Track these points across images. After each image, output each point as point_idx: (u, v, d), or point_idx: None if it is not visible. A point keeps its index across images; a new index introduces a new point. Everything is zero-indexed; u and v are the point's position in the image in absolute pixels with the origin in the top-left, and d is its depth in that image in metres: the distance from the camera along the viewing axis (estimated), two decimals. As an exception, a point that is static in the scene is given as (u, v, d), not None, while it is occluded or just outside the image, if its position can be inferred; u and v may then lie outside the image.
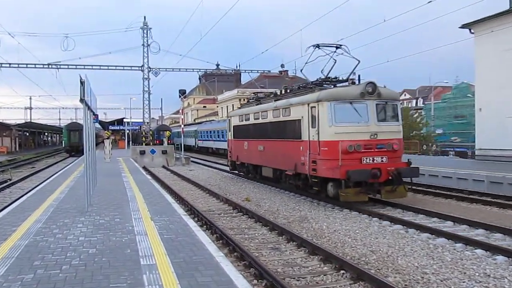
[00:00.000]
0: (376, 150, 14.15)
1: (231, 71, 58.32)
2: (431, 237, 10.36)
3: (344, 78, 15.78)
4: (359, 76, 15.44)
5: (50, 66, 37.85)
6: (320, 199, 15.47)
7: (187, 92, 50.10)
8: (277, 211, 13.76)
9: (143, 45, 39.45)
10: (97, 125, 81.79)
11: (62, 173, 22.12)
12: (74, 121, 72.34)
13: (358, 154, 13.96)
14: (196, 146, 54.14)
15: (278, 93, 19.64)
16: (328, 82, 16.08)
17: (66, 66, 37.68)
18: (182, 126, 38.79)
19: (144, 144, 41.72)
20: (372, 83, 14.66)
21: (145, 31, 39.50)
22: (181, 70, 42.58)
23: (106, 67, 40.23)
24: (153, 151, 34.39)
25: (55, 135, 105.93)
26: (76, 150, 49.83)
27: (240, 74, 75.50)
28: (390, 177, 13.98)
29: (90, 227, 9.01)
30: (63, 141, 58.22)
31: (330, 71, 16.61)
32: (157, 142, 54.29)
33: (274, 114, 18.06)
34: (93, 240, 7.95)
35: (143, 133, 43.34)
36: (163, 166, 33.06)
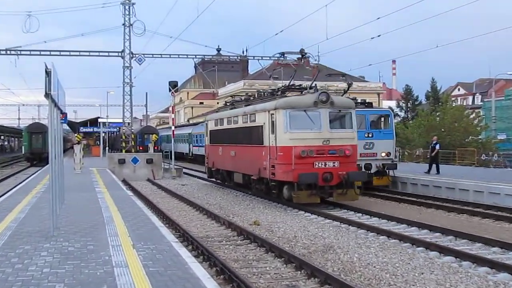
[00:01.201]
0: (328, 155, 18.81)
1: (235, 57, 58.36)
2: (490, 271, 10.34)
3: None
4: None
5: (8, 52, 38.01)
6: (350, 223, 15.70)
7: (179, 85, 50.26)
8: (295, 238, 13.77)
9: (123, 24, 39.77)
10: (66, 126, 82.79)
11: (22, 187, 22.33)
12: (36, 121, 72.93)
13: (311, 159, 18.63)
14: (191, 154, 54.26)
15: (251, 98, 24.55)
16: (292, 90, 20.90)
17: (28, 52, 37.75)
18: (173, 128, 38.96)
19: (124, 151, 41.98)
20: (325, 92, 19.45)
21: (126, 7, 39.86)
22: (172, 56, 42.80)
23: (78, 53, 40.57)
24: (135, 160, 34.62)
25: (12, 139, 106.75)
26: (39, 158, 50.23)
27: (248, 62, 75.71)
28: (341, 181, 18.64)
29: (56, 256, 9.07)
30: (23, 147, 58.36)
31: (292, 78, 22.15)
32: (141, 148, 54.41)
33: (243, 119, 22.96)
34: (61, 272, 7.99)
35: (123, 137, 43.67)
36: (148, 180, 33.29)
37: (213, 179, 28.94)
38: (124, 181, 30.93)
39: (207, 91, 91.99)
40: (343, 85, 34.71)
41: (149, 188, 28.82)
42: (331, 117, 19.30)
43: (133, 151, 41.92)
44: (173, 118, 39.73)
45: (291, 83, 22.21)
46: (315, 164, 18.74)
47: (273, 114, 19.71)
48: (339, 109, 19.51)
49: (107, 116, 60.63)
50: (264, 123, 20.59)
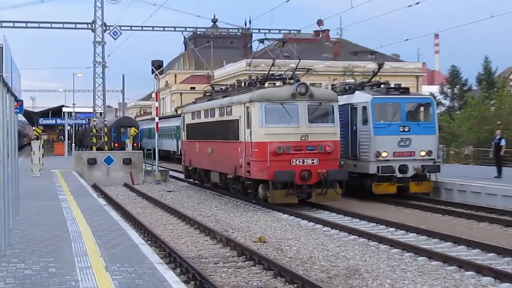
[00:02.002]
0: (306, 152, 21.46)
1: (236, 31, 58.26)
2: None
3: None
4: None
5: None
6: (380, 240, 15.74)
7: (164, 66, 50.39)
8: (310, 258, 13.79)
9: (95, -11, 39.95)
10: (21, 117, 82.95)
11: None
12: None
13: (288, 155, 21.31)
14: (179, 153, 54.31)
15: (229, 88, 27.33)
16: (269, 81, 23.92)
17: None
18: (157, 119, 38.97)
19: (95, 148, 42.14)
20: (303, 84, 22.05)
21: (98, -33, 39.93)
22: (155, 29, 42.89)
23: (37, 25, 40.68)
24: (109, 160, 34.75)
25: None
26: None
27: (251, 37, 75.45)
28: (320, 180, 21.32)
29: (10, 281, 9.10)
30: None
31: (271, 68, 24.57)
32: (116, 145, 54.57)
33: (220, 112, 25.87)
34: (15, 302, 8.04)
35: (94, 131, 43.78)
36: (126, 185, 33.46)
37: (191, 180, 32.59)
38: (95, 187, 30.94)
39: (200, 73, 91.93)
40: (372, 65, 34.67)
41: (126, 195, 28.88)
42: (310, 110, 21.83)
43: (106, 148, 42.11)
44: (157, 107, 39.75)
45: (271, 72, 24.87)
46: (292, 162, 21.39)
47: (249, 107, 22.23)
48: (319, 102, 22.14)
49: (74, 104, 60.58)
50: (240, 117, 23.12)
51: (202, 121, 28.95)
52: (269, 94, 22.18)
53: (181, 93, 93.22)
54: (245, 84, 26.16)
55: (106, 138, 43.30)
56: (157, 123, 38.22)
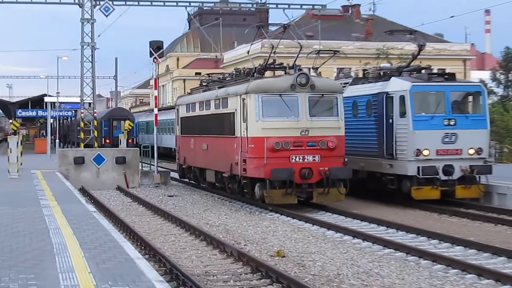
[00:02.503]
0: (307, 148, 23.19)
1: (250, 6, 58.22)
2: None
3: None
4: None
5: None
6: (421, 254, 15.68)
7: (165, 47, 50.33)
8: (338, 276, 13.75)
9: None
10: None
11: None
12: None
13: (286, 152, 23.02)
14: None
15: (228, 77, 29.34)
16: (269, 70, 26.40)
17: None
18: (156, 111, 39.03)
19: (82, 145, 42.08)
20: (304, 73, 23.71)
21: None
22: (154, 4, 42.88)
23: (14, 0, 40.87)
24: (99, 159, 34.87)
25: None
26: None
27: (268, 13, 75.45)
28: (323, 178, 23.07)
29: (-18, 302, 9.11)
30: None
31: (269, 55, 26.83)
32: (108, 141, 54.53)
33: (216, 104, 27.80)
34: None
35: (82, 125, 43.83)
36: (119, 188, 33.62)
37: (187, 181, 35.15)
38: (83, 191, 31.03)
39: (207, 56, 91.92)
40: (411, 47, 34.53)
41: (120, 200, 28.95)
42: (311, 102, 23.50)
43: (96, 145, 42.12)
44: (155, 97, 39.77)
45: (271, 60, 26.88)
46: (292, 158, 23.10)
47: (245, 99, 23.97)
48: (322, 94, 23.76)
49: (58, 93, 60.84)
50: (236, 110, 24.93)
51: (197, 114, 30.65)
52: (266, 85, 23.82)
53: (184, 80, 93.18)
54: (243, 73, 27.43)
55: (96, 133, 43.29)
56: (156, 115, 38.30)
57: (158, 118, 39.69)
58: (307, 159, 23.14)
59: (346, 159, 23.82)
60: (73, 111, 63.59)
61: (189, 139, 32.01)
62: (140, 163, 36.87)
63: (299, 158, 23.09)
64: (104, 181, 34.49)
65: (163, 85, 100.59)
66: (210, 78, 32.26)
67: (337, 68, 58.34)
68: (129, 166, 35.12)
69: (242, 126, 24.13)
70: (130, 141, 48.02)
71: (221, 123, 26.61)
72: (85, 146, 41.48)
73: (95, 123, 43.51)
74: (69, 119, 73.12)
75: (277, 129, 23.14)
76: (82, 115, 44.66)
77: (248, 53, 30.73)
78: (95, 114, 44.53)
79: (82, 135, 43.20)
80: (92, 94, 42.81)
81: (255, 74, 26.08)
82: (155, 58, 37.37)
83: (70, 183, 29.14)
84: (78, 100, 47.22)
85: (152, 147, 37.95)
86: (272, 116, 23.28)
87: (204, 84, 32.34)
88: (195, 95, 32.50)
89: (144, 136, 62.35)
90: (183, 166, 33.88)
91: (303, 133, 23.19)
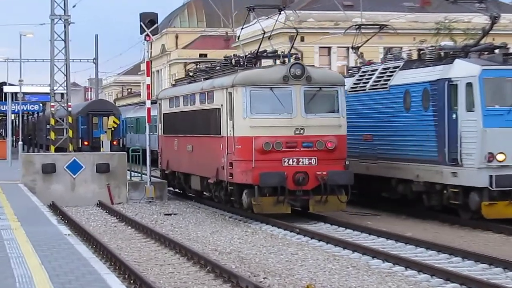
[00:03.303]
0: (302, 149, 25.26)
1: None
2: None
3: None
4: None
5: None
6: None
7: (160, 22, 50.30)
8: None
9: None
10: None
11: None
12: None
13: (278, 153, 25.09)
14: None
15: (218, 67, 31.37)
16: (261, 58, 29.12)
17: None
18: (149, 103, 38.94)
19: (53, 148, 41.90)
20: (298, 64, 25.91)
21: None
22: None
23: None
24: (75, 167, 34.94)
25: None
26: None
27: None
28: (320, 184, 25.09)
29: None
30: None
31: (261, 43, 28.88)
32: (86, 143, 54.38)
33: (201, 99, 30.10)
34: None
35: (52, 122, 43.84)
36: (100, 204, 33.81)
37: (171, 189, 37.70)
38: (54, 207, 31.12)
39: (215, 33, 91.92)
40: (481, 19, 34.21)
41: (102, 220, 29.04)
42: (307, 97, 25.53)
43: (71, 149, 42.19)
44: (148, 86, 39.66)
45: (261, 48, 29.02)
46: (284, 161, 25.21)
47: (231, 93, 26.07)
48: (319, 86, 25.77)
49: (21, 81, 61.00)
50: (221, 105, 27.13)
51: (181, 110, 33.00)
52: (255, 77, 26.02)
53: (185, 64, 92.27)
54: (233, 62, 29.63)
55: (70, 133, 43.45)
56: (148, 109, 38.07)
57: (152, 114, 39.54)
58: (302, 162, 25.25)
59: (347, 162, 25.65)
60: (41, 105, 63.68)
61: (173, 140, 34.30)
62: (129, 172, 36.96)
63: (293, 161, 25.24)
64: (82, 195, 34.59)
65: (157, 71, 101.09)
66: (198, 67, 34.57)
67: (384, 48, 58.42)
68: (114, 176, 35.19)
69: (228, 124, 26.16)
70: (115, 143, 48.01)
71: (207, 121, 28.71)
72: (56, 150, 41.61)
73: (70, 119, 43.71)
74: (35, 115, 73.47)
75: (267, 128, 25.28)
76: (52, 109, 44.85)
77: (238, 38, 34.31)
78: (70, 108, 44.69)
79: (52, 136, 43.39)
80: (65, 82, 42.97)
81: (245, 63, 28.15)
82: (147, 35, 37.25)
83: (37, 198, 29.19)
84: (47, 90, 47.33)
85: (144, 150, 37.71)
86: (261, 113, 25.45)
87: (190, 74, 34.91)
88: (179, 87, 34.89)
89: (133, 136, 62.53)
90: (166, 172, 36.54)
91: (297, 132, 25.24)
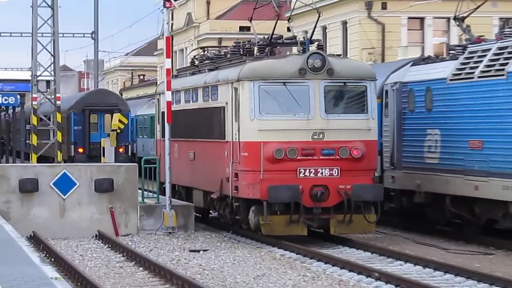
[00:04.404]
0: (321, 157, 27.12)
1: None
2: None
3: None
4: None
5: None
6: None
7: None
8: None
9: None
10: None
11: None
12: None
13: (292, 163, 27.04)
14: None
15: (229, 54, 33.40)
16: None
17: None
18: (169, 96, 39.09)
19: (34, 157, 41.90)
20: (318, 53, 27.47)
21: None
22: None
23: None
24: (66, 184, 35.19)
25: None
26: None
27: None
28: (343, 200, 26.81)
29: None
30: None
31: (276, 21, 31.01)
32: (80, 151, 54.49)
33: (204, 95, 32.62)
34: None
35: (34, 121, 44.03)
36: (100, 235, 34.06)
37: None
38: (36, 239, 31.28)
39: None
40: None
41: (103, 258, 29.22)
42: (328, 94, 27.11)
43: (60, 158, 42.35)
44: (168, 70, 39.77)
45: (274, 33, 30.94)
46: (299, 172, 27.09)
47: (237, 88, 27.43)
48: (344, 81, 27.32)
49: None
50: (226, 103, 28.72)
51: (182, 108, 35.28)
52: (265, 69, 27.65)
53: (219, 40, 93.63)
54: (243, 49, 31.40)
55: (59, 137, 43.77)
56: (168, 104, 38.26)
57: (175, 107, 39.76)
58: (322, 174, 26.85)
59: (377, 174, 27.47)
60: (18, 97, 63.95)
61: (172, 145, 35.02)
62: (140, 191, 37.15)
63: (310, 172, 26.84)
64: (75, 223, 34.84)
65: (181, 50, 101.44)
66: (206, 54, 36.33)
67: (500, 19, 58.18)
68: (119, 196, 35.41)
69: (234, 126, 27.76)
70: (121, 150, 48.29)
71: (210, 122, 30.61)
72: (39, 160, 41.85)
73: (59, 117, 44.04)
74: (10, 111, 73.90)
75: (279, 131, 26.74)
76: (34, 103, 45.19)
77: (250, 20, 33.84)
78: (59, 102, 44.99)
79: (34, 140, 43.68)
80: (52, 65, 43.27)
81: (254, 52, 30.15)
82: (167, 0, 37.49)
83: (12, 227, 29.37)
84: (27, 76, 47.72)
85: (160, 161, 37.92)
86: (272, 113, 27.01)
87: (194, 63, 36.81)
88: (181, 79, 36.96)
89: (146, 141, 62.77)
90: (164, 185, 36.87)
91: (316, 136, 26.74)
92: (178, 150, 35.63)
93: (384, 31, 66.11)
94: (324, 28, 73.45)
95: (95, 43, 76.56)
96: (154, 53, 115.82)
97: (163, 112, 36.90)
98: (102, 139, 47.04)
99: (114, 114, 50.11)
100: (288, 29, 33.96)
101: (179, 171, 35.90)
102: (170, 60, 39.91)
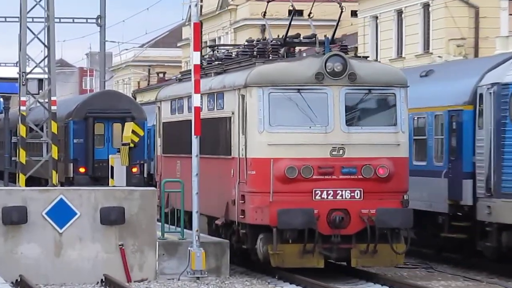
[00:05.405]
0: (341, 177, 28.39)
1: None
2: None
3: None
4: None
5: None
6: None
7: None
8: None
9: None
10: None
11: None
12: None
13: (307, 183, 28.17)
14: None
15: (241, 52, 35.33)
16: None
17: None
18: (197, 99, 39.19)
19: (23, 179, 41.96)
20: (338, 55, 28.52)
21: None
22: None
23: None
24: (63, 213, 35.29)
25: None
26: None
27: None
28: (366, 227, 27.96)
29: None
30: None
31: (292, 16, 33.28)
32: (81, 170, 54.76)
33: (209, 103, 34.49)
34: None
35: (22, 131, 44.32)
36: (106, 281, 34.04)
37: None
38: (23, 286, 31.32)
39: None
40: None
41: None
42: (350, 103, 27.95)
43: (55, 180, 42.49)
44: (197, 67, 39.85)
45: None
46: (315, 194, 27.80)
47: (244, 95, 28.56)
48: (368, 88, 28.08)
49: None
50: (233, 113, 30.00)
51: (185, 118, 36.37)
52: (276, 74, 28.53)
53: (262, 28, 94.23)
54: (255, 50, 32.72)
55: (54, 152, 43.97)
56: (196, 110, 38.37)
57: (203, 117, 39.90)
58: (341, 196, 27.66)
59: (406, 197, 27.87)
60: (1, 100, 64.39)
61: (174, 162, 38.01)
62: (159, 224, 37.28)
63: (328, 194, 27.71)
64: (74, 264, 34.84)
65: (213, 40, 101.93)
66: (215, 54, 38.25)
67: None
68: (132, 230, 35.41)
69: (240, 140, 28.76)
70: (135, 170, 48.39)
71: (215, 136, 31.94)
72: (29, 182, 41.95)
73: (55, 127, 44.23)
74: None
75: (292, 146, 27.58)
76: (23, 108, 45.48)
77: (264, 15, 36.74)
78: (54, 107, 45.22)
79: (22, 157, 43.93)
80: (46, 59, 43.51)
81: (268, 53, 31.16)
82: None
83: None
84: (13, 73, 48.02)
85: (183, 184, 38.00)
86: (284, 125, 27.85)
87: (203, 64, 37.09)
88: (184, 84, 38.22)
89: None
90: (165, 211, 38.34)
91: (335, 153, 27.55)
92: (180, 168, 37.36)
93: (478, 16, 66.33)
94: (399, 13, 73.95)
95: (101, 31, 77.24)
96: (178, 45, 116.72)
97: (164, 123, 39.73)
98: (110, 155, 47.18)
99: (125, 124, 50.25)
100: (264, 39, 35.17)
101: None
102: (198, 53, 39.92)
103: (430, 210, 39.62)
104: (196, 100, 38.48)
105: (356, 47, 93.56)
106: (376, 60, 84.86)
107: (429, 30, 72.12)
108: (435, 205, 39.08)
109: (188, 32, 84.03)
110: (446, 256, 41.51)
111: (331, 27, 33.74)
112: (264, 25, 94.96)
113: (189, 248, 35.81)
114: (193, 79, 39.50)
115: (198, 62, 39.97)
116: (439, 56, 71.23)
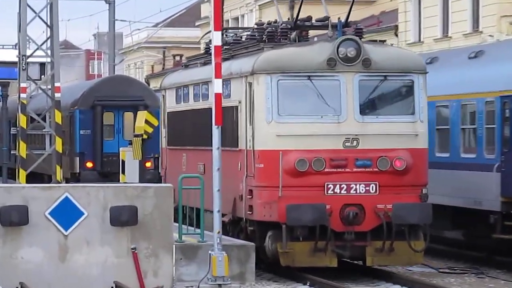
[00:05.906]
0: (355, 170, 29.53)
1: None
2: None
3: None
4: None
5: None
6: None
7: None
8: None
9: None
10: None
11: None
12: None
13: (319, 177, 29.50)
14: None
15: (255, 34, 35.96)
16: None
17: None
18: (218, 85, 39.62)
19: (23, 176, 42.21)
20: (351, 39, 29.49)
21: None
22: None
23: None
24: (68, 213, 35.44)
25: None
26: None
27: None
28: (382, 223, 28.92)
29: None
30: None
31: (301, 5, 32.87)
32: (89, 165, 54.90)
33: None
34: None
35: (22, 122, 44.59)
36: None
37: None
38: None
39: None
40: None
41: None
42: (364, 90, 28.51)
43: (59, 176, 42.80)
44: (217, 48, 40.24)
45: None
46: (328, 189, 28.63)
47: (251, 83, 29.27)
48: (384, 74, 28.53)
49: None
50: (239, 102, 30.98)
51: (190, 107, 37.48)
52: (286, 60, 29.33)
53: (291, 5, 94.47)
54: (264, 34, 33.34)
55: (59, 145, 44.29)
56: (217, 97, 38.73)
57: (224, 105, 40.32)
58: (356, 190, 28.40)
59: (425, 191, 28.34)
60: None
61: (180, 155, 38.83)
62: (177, 224, 37.40)
63: (341, 188, 28.47)
64: (80, 270, 34.85)
65: (235, 18, 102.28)
66: (224, 38, 37.48)
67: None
68: (146, 232, 35.46)
69: (248, 131, 29.46)
70: (149, 165, 48.51)
71: (222, 126, 31.34)
72: (30, 178, 42.22)
73: (58, 117, 44.51)
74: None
75: (302, 137, 28.30)
76: (23, 96, 45.79)
77: None
78: (58, 94, 45.52)
79: (22, 150, 44.22)
80: (49, 41, 43.81)
81: (278, 36, 31.76)
82: None
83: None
84: (12, 56, 48.22)
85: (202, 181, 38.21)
86: (294, 115, 28.59)
87: (209, 50, 37.68)
88: (190, 70, 39.37)
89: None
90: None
91: (348, 144, 28.34)
92: (186, 161, 38.22)
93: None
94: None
95: (111, 9, 77.53)
96: (196, 24, 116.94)
97: (168, 113, 40.60)
98: (120, 148, 47.34)
99: (138, 113, 50.43)
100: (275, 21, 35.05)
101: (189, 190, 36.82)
102: (219, 33, 40.21)
103: (479, 208, 39.41)
104: (217, 85, 38.88)
105: (396, 26, 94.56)
106: (419, 40, 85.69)
107: (479, 6, 72.39)
108: (485, 203, 38.87)
109: (207, 10, 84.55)
110: (499, 260, 41.79)
111: (359, 5, 34.51)
112: (293, 1, 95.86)
113: (209, 252, 35.87)
114: (213, 62, 39.84)
115: (219, 43, 40.31)
116: (490, 35, 71.53)
